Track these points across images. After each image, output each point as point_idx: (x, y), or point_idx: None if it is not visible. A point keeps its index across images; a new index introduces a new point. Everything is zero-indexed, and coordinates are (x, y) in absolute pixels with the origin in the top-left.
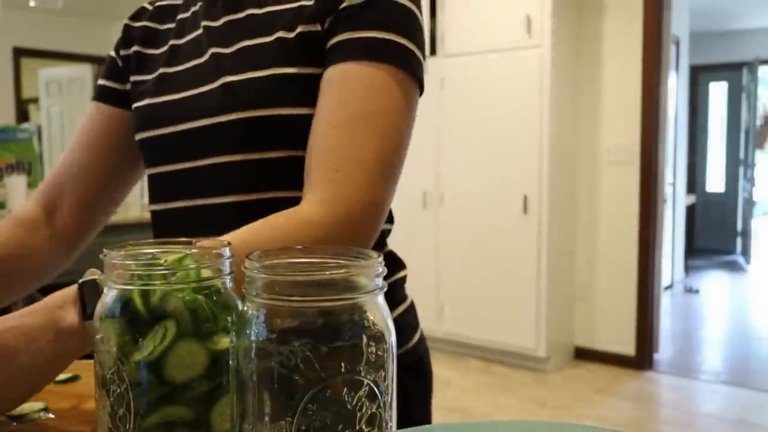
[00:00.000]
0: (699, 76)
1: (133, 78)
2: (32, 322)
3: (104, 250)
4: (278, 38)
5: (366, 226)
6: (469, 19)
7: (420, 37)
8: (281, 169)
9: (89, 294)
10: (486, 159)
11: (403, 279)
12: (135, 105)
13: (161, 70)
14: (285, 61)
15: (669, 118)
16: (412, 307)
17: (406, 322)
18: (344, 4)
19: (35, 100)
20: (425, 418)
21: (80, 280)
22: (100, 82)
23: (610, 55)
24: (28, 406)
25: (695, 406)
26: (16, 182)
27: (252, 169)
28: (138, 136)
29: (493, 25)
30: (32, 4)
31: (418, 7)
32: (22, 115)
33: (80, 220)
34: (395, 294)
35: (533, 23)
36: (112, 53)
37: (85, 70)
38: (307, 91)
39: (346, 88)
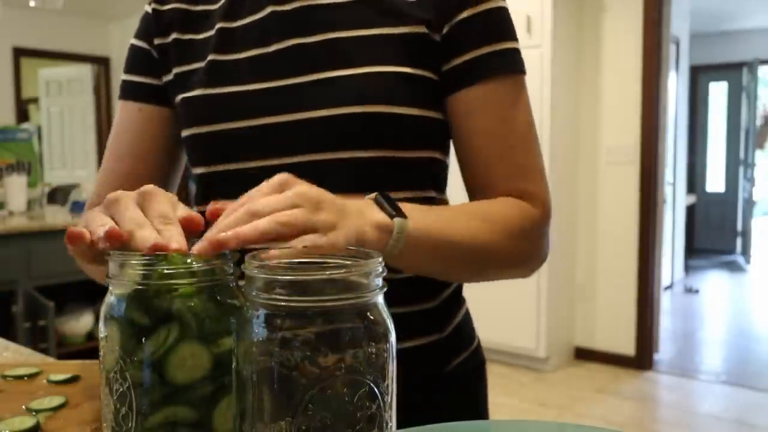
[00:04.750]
0: (699, 76)
1: (177, 69)
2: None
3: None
4: (382, 35)
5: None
6: None
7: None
8: (380, 170)
9: (385, 199)
10: None
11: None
12: (183, 96)
13: (212, 57)
14: (397, 58)
15: (669, 118)
16: (468, 310)
17: (469, 324)
18: (466, 14)
19: (35, 100)
20: (487, 416)
21: (369, 196)
22: (131, 78)
23: (610, 55)
24: (47, 401)
25: (695, 406)
26: (16, 182)
27: (349, 168)
28: (189, 132)
29: None
30: (32, 4)
31: None
32: (22, 115)
33: None
34: (460, 294)
35: (533, 23)
36: (141, 43)
37: (85, 70)
38: (416, 90)
39: (504, 105)
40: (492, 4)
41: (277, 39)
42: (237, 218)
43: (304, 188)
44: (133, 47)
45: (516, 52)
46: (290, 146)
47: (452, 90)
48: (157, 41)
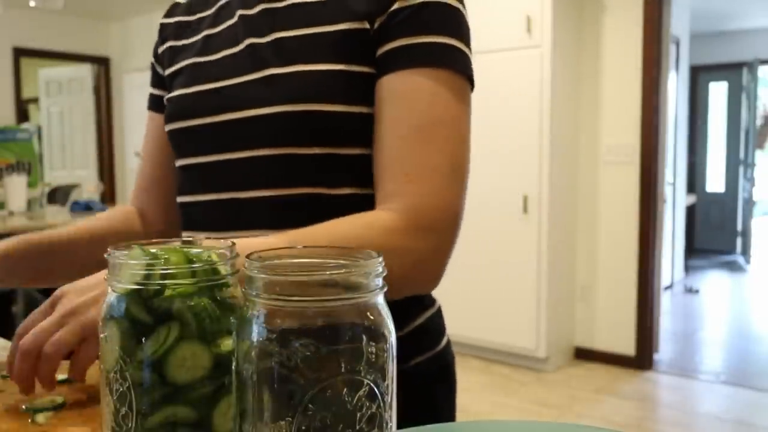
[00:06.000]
0: (699, 76)
1: (167, 71)
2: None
3: (108, 249)
4: (321, 33)
5: (446, 233)
6: (469, 19)
7: (468, 37)
8: (319, 166)
9: None
10: (486, 159)
11: None
12: (167, 96)
13: (193, 60)
14: (331, 56)
15: (669, 118)
16: (440, 312)
17: (435, 326)
18: (396, 6)
19: (35, 100)
20: (451, 414)
21: None
22: (150, 90)
23: (610, 54)
24: (49, 399)
25: (695, 406)
26: (16, 182)
27: (288, 163)
28: (168, 127)
29: (493, 25)
30: (32, 4)
31: (464, 5)
32: (22, 115)
33: (168, 221)
34: (424, 297)
35: (533, 23)
36: (153, 59)
37: (85, 70)
38: (352, 87)
39: (410, 97)
40: None
41: (241, 40)
42: (22, 366)
43: (65, 302)
44: (151, 63)
45: (448, 47)
46: (236, 143)
47: (375, 81)
48: (160, 50)
